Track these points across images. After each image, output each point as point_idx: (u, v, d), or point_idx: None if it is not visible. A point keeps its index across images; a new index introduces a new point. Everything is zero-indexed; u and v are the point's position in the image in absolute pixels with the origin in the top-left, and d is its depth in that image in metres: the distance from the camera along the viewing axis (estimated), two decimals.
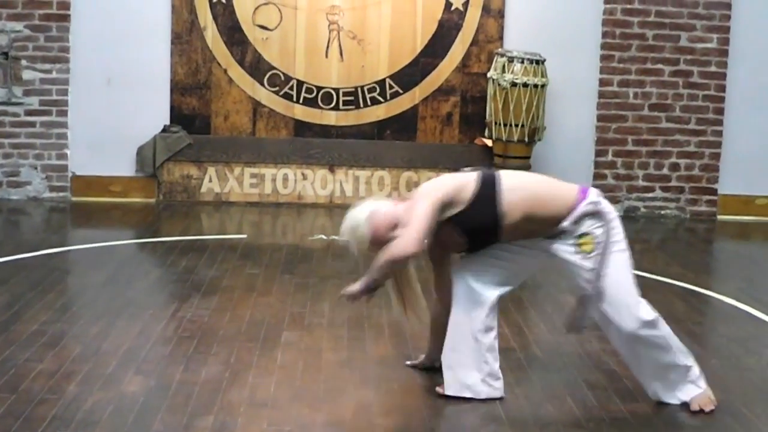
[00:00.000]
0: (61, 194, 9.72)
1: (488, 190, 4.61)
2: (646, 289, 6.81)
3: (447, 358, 4.80)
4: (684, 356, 4.69)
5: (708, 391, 4.75)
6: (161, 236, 8.40)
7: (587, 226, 4.60)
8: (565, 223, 4.58)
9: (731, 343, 5.84)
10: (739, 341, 5.88)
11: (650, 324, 4.58)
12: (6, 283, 6.60)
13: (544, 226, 4.61)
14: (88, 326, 5.72)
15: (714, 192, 10.04)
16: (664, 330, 4.63)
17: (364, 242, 4.62)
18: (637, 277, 6.39)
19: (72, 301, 6.44)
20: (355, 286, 4.59)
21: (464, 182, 4.65)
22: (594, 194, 4.72)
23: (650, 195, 9.99)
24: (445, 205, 4.57)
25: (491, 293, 4.72)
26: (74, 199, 9.72)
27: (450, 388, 4.77)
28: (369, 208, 4.64)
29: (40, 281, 6.66)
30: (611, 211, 4.68)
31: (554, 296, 6.70)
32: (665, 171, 9.99)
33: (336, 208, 9.75)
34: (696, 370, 4.74)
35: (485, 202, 4.59)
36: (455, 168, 9.74)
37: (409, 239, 4.42)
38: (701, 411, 4.67)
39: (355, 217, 4.67)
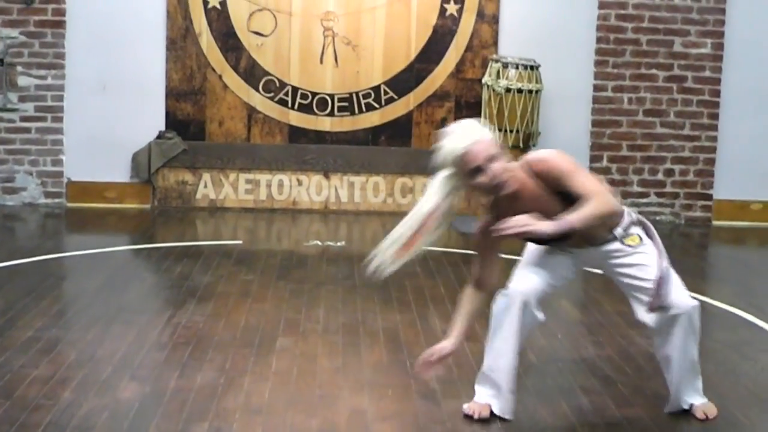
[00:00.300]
0: (57, 200, 9.72)
1: None
2: None
3: (499, 378, 4.62)
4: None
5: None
6: (156, 242, 8.40)
7: (633, 230, 4.57)
8: (618, 230, 4.55)
9: (726, 348, 5.84)
10: (734, 346, 5.88)
11: (696, 309, 4.57)
12: (1, 288, 6.60)
13: (603, 230, 4.54)
14: (83, 332, 5.72)
15: (709, 197, 10.06)
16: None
17: (456, 156, 4.33)
18: None
19: (67, 307, 6.43)
20: (546, 226, 4.17)
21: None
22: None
23: (645, 200, 10.00)
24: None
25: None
26: (69, 204, 9.73)
27: (499, 407, 4.62)
28: (477, 133, 4.39)
29: (35, 287, 6.65)
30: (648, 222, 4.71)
31: (549, 302, 6.69)
32: (660, 176, 10.01)
33: (331, 214, 9.77)
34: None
35: None
36: None
37: (610, 198, 4.28)
38: (706, 418, 4.69)
39: (464, 132, 4.41)
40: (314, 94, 9.86)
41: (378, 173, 9.92)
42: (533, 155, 4.46)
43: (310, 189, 9.90)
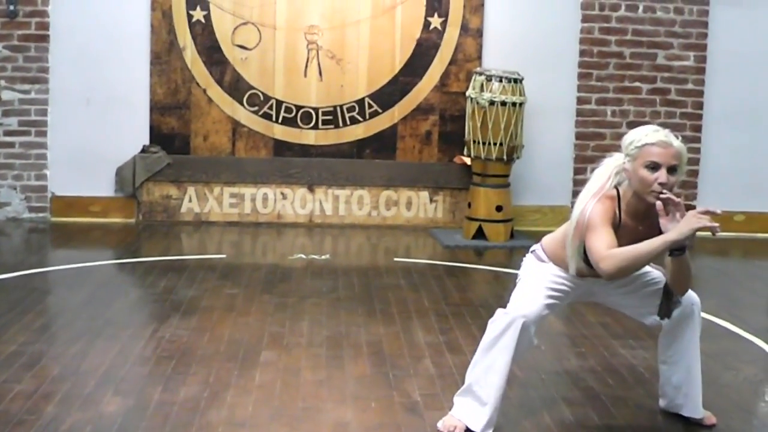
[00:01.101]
0: (41, 215, 9.71)
1: None
2: None
3: (486, 394, 4.57)
4: None
5: None
6: (141, 256, 8.39)
7: None
8: None
9: (709, 359, 5.86)
10: (717, 357, 5.90)
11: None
12: None
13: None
14: (67, 347, 5.71)
15: (692, 209, 10.06)
16: None
17: (646, 142, 4.32)
18: None
19: (51, 321, 6.42)
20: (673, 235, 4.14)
21: None
22: None
23: None
24: None
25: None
26: (54, 219, 9.72)
27: (479, 422, 4.58)
28: (675, 141, 4.37)
29: (19, 302, 6.64)
30: None
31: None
32: None
33: (315, 228, 9.78)
34: None
35: None
36: (434, 187, 9.88)
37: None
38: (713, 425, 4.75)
39: (665, 132, 4.39)
40: (299, 107, 9.87)
41: (363, 186, 9.94)
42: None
43: (295, 202, 9.91)
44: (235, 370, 5.38)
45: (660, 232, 4.23)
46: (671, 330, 4.70)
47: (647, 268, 4.63)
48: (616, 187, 4.46)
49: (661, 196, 4.25)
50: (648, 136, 4.35)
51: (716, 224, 4.11)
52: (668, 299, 4.53)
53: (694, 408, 4.79)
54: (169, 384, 5.13)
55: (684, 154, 4.40)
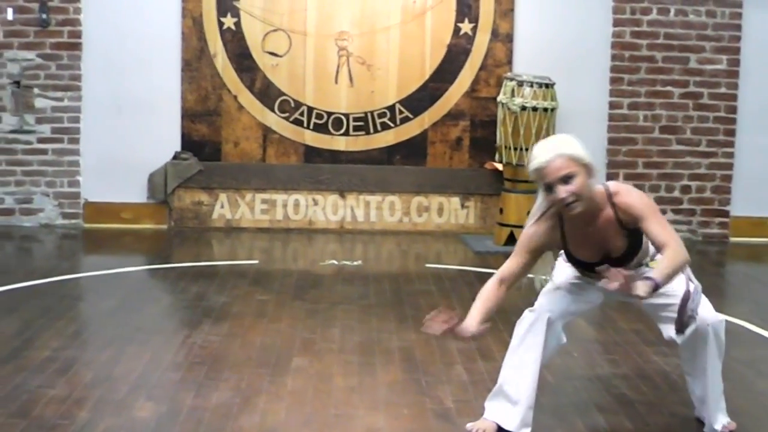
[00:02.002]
0: (73, 221, 9.76)
1: None
2: None
3: (517, 392, 4.60)
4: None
5: None
6: (172, 262, 8.41)
7: (658, 255, 4.44)
8: (647, 259, 4.57)
9: (742, 366, 5.82)
10: (751, 364, 5.86)
11: (722, 323, 4.59)
12: (18, 309, 6.62)
13: (642, 258, 4.58)
14: (100, 352, 5.74)
15: (726, 214, 10.03)
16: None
17: (532, 170, 4.35)
18: None
19: (83, 327, 6.45)
20: (641, 289, 4.07)
21: None
22: None
23: None
24: None
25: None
26: (86, 225, 9.77)
27: (513, 421, 4.59)
28: (561, 149, 4.34)
29: (52, 308, 6.67)
30: None
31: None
32: (676, 193, 9.99)
33: (347, 234, 9.78)
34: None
35: None
36: (465, 193, 9.85)
37: (681, 246, 4.29)
38: None
39: (548, 146, 4.40)
40: (329, 113, 9.88)
41: (393, 192, 9.93)
42: (618, 187, 4.42)
43: (326, 209, 9.92)
44: (267, 376, 5.38)
45: (614, 228, 4.35)
46: (688, 346, 4.63)
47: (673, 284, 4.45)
48: None
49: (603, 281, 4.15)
50: (530, 164, 4.37)
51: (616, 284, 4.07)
52: (681, 314, 4.47)
53: (708, 426, 4.72)
54: (201, 390, 5.14)
55: (571, 152, 4.29)
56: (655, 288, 4.10)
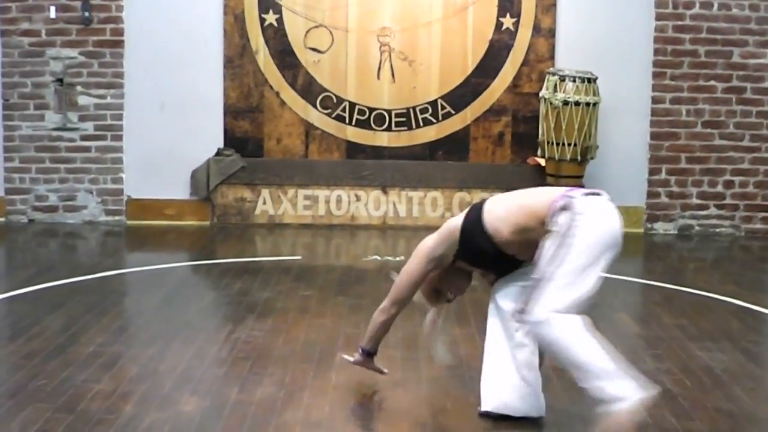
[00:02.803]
0: (117, 218, 9.82)
1: (473, 218, 4.71)
2: (701, 307, 6.78)
3: (485, 376, 4.79)
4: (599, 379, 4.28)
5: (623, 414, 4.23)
6: (215, 258, 8.46)
7: (562, 218, 4.36)
8: (547, 220, 4.42)
9: None
10: None
11: (550, 323, 4.27)
12: (63, 305, 6.67)
13: (537, 232, 4.45)
14: (144, 348, 5.77)
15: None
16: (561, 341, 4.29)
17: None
18: (693, 295, 6.33)
19: (128, 323, 6.50)
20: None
21: (452, 226, 4.82)
22: (578, 191, 4.52)
23: (704, 213, 9.93)
24: (436, 258, 4.81)
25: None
26: (129, 222, 9.82)
27: (487, 404, 4.73)
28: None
29: (97, 304, 6.72)
30: (585, 208, 4.37)
31: (606, 315, 6.65)
32: (719, 188, 9.92)
33: (389, 229, 9.79)
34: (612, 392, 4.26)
35: (473, 230, 4.67)
36: (508, 188, 9.83)
37: (384, 305, 4.98)
38: None
39: None
40: (371, 109, 9.89)
41: (436, 188, 9.93)
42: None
43: (369, 204, 9.93)
44: (310, 371, 5.40)
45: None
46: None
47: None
48: None
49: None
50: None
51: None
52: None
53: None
54: (245, 384, 5.16)
55: None
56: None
